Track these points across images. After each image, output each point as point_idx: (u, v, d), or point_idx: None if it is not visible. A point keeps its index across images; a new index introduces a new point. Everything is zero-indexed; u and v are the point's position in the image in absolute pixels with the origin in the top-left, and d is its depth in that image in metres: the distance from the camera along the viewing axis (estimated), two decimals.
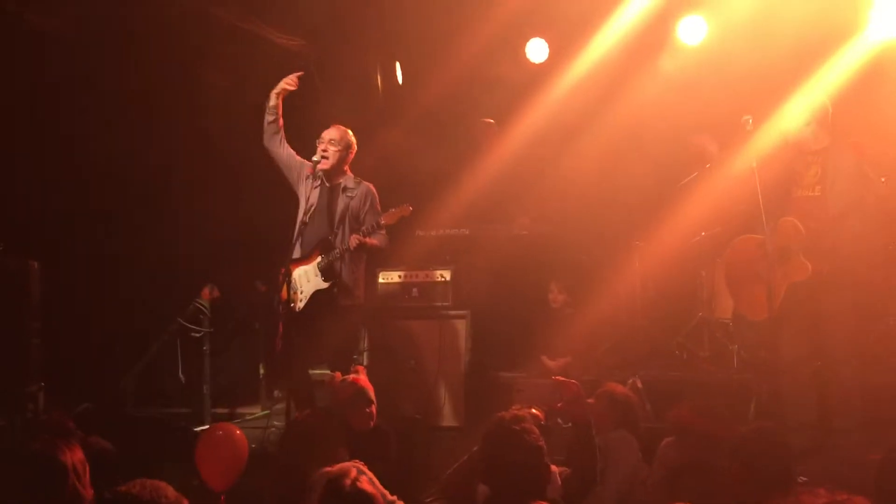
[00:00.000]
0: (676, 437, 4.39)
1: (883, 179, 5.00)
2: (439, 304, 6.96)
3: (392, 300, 7.06)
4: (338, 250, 5.81)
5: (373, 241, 5.89)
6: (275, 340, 6.03)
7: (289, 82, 5.95)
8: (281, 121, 6.02)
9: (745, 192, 5.45)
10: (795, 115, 5.40)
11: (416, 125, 7.96)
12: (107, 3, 6.66)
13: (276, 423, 6.36)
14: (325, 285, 5.82)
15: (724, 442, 3.74)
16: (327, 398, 5.15)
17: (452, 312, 6.90)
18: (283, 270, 5.80)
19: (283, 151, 6.04)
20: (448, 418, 6.68)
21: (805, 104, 5.41)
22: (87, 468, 3.29)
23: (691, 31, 7.35)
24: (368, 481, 3.04)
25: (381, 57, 8.43)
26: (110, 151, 7.30)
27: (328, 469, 3.79)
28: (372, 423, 4.83)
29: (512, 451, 3.29)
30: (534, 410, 3.78)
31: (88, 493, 3.15)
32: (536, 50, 7.92)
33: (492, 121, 7.97)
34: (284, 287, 5.66)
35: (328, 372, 5.77)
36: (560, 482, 3.75)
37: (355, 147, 6.02)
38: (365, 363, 6.71)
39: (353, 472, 3.07)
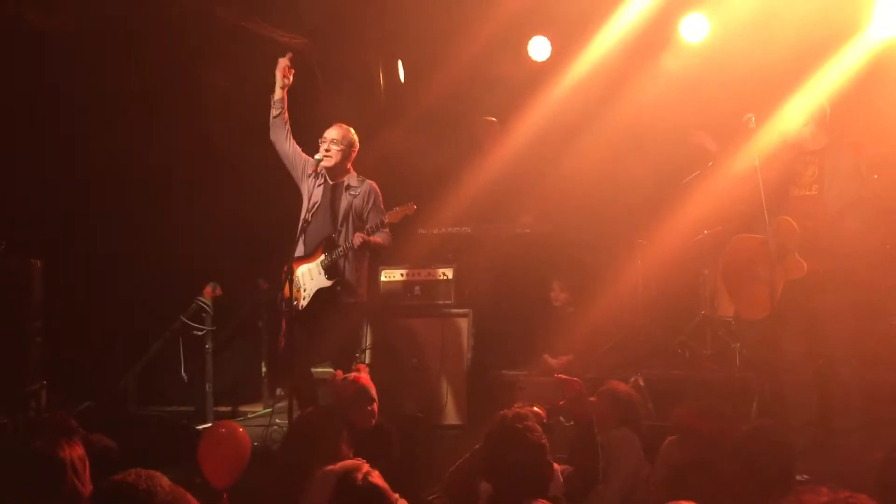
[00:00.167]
0: (679, 437, 4.39)
1: (875, 176, 4.99)
2: (441, 302, 6.97)
3: (394, 298, 7.06)
4: (341, 248, 5.81)
5: (376, 239, 5.89)
6: (278, 338, 6.05)
7: (285, 72, 5.95)
8: (286, 115, 6.02)
9: (747, 191, 5.44)
10: (794, 115, 5.39)
11: (418, 124, 7.96)
12: (107, 2, 6.66)
13: (278, 421, 6.37)
14: (328, 283, 5.81)
15: (726, 442, 3.74)
16: (329, 396, 5.15)
17: (455, 311, 6.90)
18: (285, 268, 5.80)
19: (290, 147, 6.04)
20: (450, 416, 6.68)
21: (803, 104, 5.40)
22: (87, 464, 3.30)
23: (694, 30, 7.34)
24: (380, 476, 3.05)
25: (383, 55, 8.43)
26: (111, 151, 7.31)
27: (331, 467, 3.80)
28: (373, 422, 4.83)
29: (514, 450, 3.29)
30: (536, 409, 3.78)
31: (87, 489, 3.15)
32: (539, 48, 7.92)
33: (494, 119, 7.97)
34: (287, 285, 5.65)
35: (331, 370, 5.78)
36: (562, 480, 3.75)
37: (358, 145, 6.02)
38: (367, 361, 6.71)
39: (365, 467, 3.07)
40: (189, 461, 4.60)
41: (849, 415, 5.24)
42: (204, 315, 7.17)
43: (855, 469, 4.53)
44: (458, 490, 3.91)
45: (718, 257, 6.80)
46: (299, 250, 5.89)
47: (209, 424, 6.54)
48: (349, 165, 6.01)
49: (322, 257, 5.82)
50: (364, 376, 5.02)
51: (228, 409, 7.51)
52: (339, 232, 5.90)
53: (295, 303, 5.75)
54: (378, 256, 6.49)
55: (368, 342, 6.88)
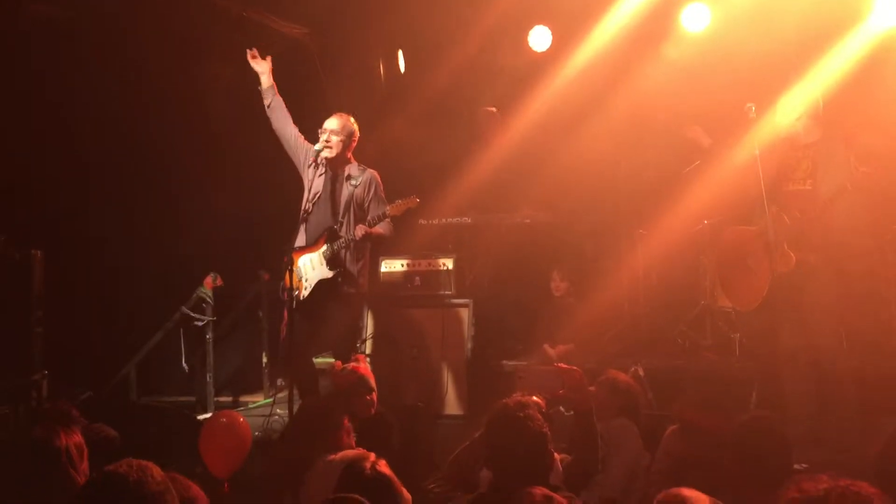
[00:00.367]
0: (680, 427, 4.40)
1: (863, 169, 4.99)
2: (442, 292, 6.97)
3: (395, 289, 7.07)
4: (343, 240, 5.81)
5: (378, 230, 5.88)
6: (279, 328, 6.06)
7: (254, 57, 5.95)
8: (280, 99, 6.00)
9: (747, 180, 5.45)
10: (787, 108, 5.38)
11: (418, 114, 7.94)
12: None
13: (279, 411, 6.39)
14: (330, 274, 5.82)
15: (726, 435, 3.75)
16: (330, 386, 5.17)
17: (455, 301, 6.91)
18: (286, 258, 5.80)
19: (291, 132, 6.02)
20: (451, 406, 6.70)
21: (797, 97, 5.39)
22: (85, 453, 3.30)
23: (695, 19, 7.31)
24: (387, 465, 3.05)
25: (384, 46, 8.41)
26: (112, 141, 7.32)
27: (333, 457, 3.82)
28: (372, 411, 4.84)
29: (515, 438, 3.30)
30: (535, 398, 3.78)
31: (83, 478, 3.15)
32: (539, 38, 7.88)
33: (494, 109, 7.96)
34: (288, 275, 5.66)
35: (332, 360, 5.79)
36: (561, 469, 3.75)
37: (358, 134, 6.00)
38: (368, 351, 6.73)
39: (372, 456, 3.08)
40: (190, 451, 4.61)
41: (845, 405, 5.25)
42: (205, 305, 7.19)
43: (853, 458, 4.55)
44: (458, 478, 3.92)
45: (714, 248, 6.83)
46: (300, 240, 5.89)
47: (210, 414, 6.56)
48: (349, 155, 5.99)
49: (324, 248, 5.82)
50: (363, 366, 5.03)
51: (229, 399, 7.54)
52: (341, 222, 5.90)
53: (296, 293, 5.75)
54: (379, 247, 6.50)
55: (369, 332, 6.89)
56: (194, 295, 7.17)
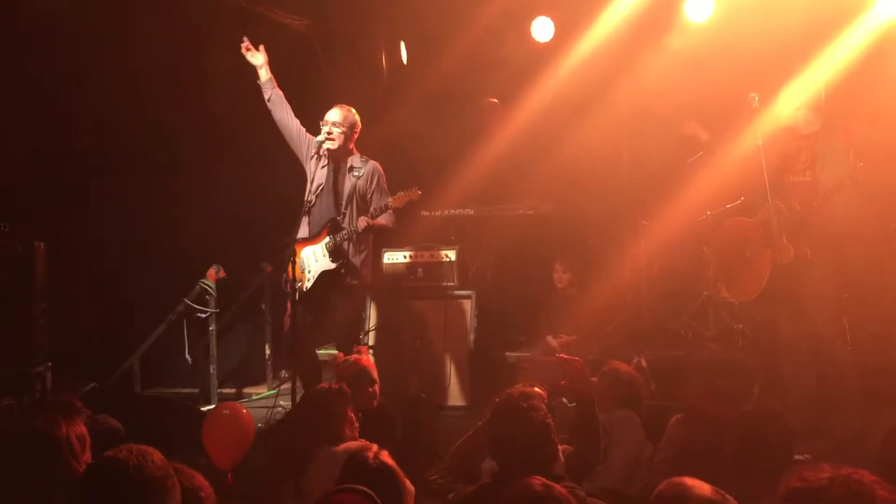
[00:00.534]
0: (685, 416, 4.40)
1: (861, 164, 4.98)
2: (445, 284, 6.98)
3: (397, 280, 7.07)
4: (346, 231, 5.81)
5: (381, 222, 5.88)
6: (283, 320, 6.06)
7: (249, 49, 5.94)
8: (280, 91, 6.00)
9: (750, 170, 5.44)
10: (788, 98, 5.37)
11: (421, 105, 7.93)
12: None
13: (282, 402, 6.41)
14: (332, 266, 5.82)
15: (730, 423, 3.76)
16: (333, 378, 5.17)
17: (458, 292, 6.91)
18: (288, 250, 5.80)
19: (292, 123, 6.02)
20: (454, 398, 6.71)
21: (799, 87, 5.38)
22: (88, 444, 3.31)
23: (698, 9, 7.29)
24: (389, 456, 3.06)
25: (386, 37, 8.40)
26: (115, 132, 7.32)
27: (335, 448, 3.83)
28: (374, 403, 4.85)
29: (519, 429, 3.31)
30: (537, 389, 3.79)
31: (84, 468, 3.16)
32: (542, 29, 7.86)
33: (496, 100, 7.94)
34: (291, 266, 5.66)
35: (335, 352, 5.80)
36: (563, 460, 3.76)
37: (359, 125, 6.00)
38: (371, 343, 6.73)
39: (374, 447, 3.09)
40: (193, 442, 4.63)
41: (847, 395, 5.25)
42: (208, 297, 7.20)
43: (854, 449, 4.55)
44: (460, 468, 3.94)
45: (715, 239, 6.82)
46: (303, 232, 5.89)
47: (213, 406, 6.58)
48: (352, 146, 5.99)
49: (327, 239, 5.83)
50: (365, 358, 5.04)
51: (233, 390, 7.56)
52: (343, 214, 5.90)
53: (299, 284, 5.76)
54: (381, 238, 6.50)
55: (372, 324, 6.90)
56: (197, 287, 7.18)
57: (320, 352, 6.38)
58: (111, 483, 2.40)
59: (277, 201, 7.03)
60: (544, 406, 3.44)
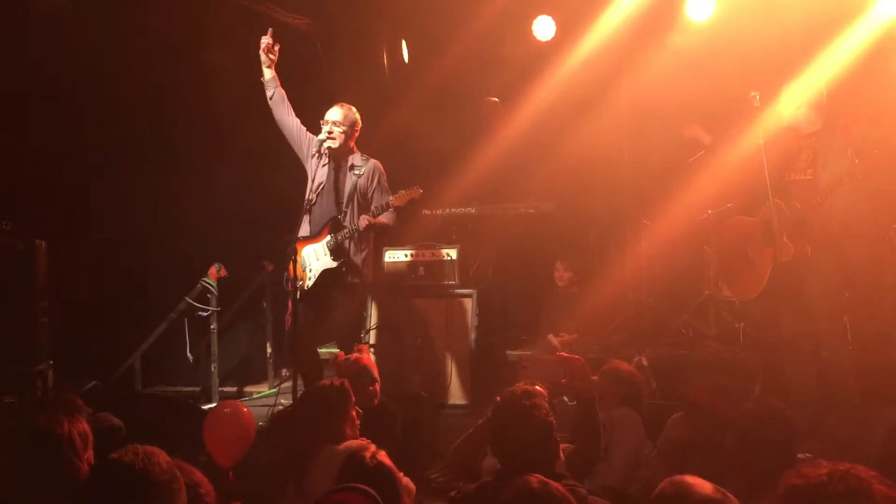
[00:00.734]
0: (686, 412, 4.41)
1: (858, 162, 4.99)
2: (446, 282, 6.98)
3: (399, 279, 7.08)
4: (347, 229, 5.81)
5: (382, 220, 5.88)
6: (284, 318, 6.06)
7: (269, 49, 5.92)
8: (282, 91, 5.99)
9: (751, 169, 5.44)
10: (790, 97, 5.38)
11: (422, 104, 7.94)
12: None
13: (283, 401, 6.41)
14: (334, 264, 5.82)
15: (732, 419, 3.76)
16: (334, 376, 5.17)
17: (459, 291, 6.91)
18: (289, 249, 5.80)
19: (293, 122, 6.00)
20: (455, 396, 6.72)
21: (801, 86, 5.38)
22: (91, 442, 3.31)
23: (700, 8, 7.29)
24: (387, 455, 3.07)
25: (387, 36, 8.40)
26: (116, 131, 7.33)
27: (336, 447, 3.83)
28: (376, 402, 4.85)
29: (522, 426, 3.31)
30: (538, 388, 3.79)
31: (86, 466, 3.16)
32: (543, 28, 7.87)
33: (496, 99, 7.94)
34: (292, 265, 5.66)
35: (337, 350, 5.80)
36: (563, 458, 3.76)
37: (360, 123, 6.00)
38: (372, 341, 6.74)
39: (373, 447, 3.09)
40: (194, 441, 4.63)
41: (847, 394, 5.25)
42: (209, 296, 7.20)
43: (854, 448, 4.54)
44: (460, 467, 3.94)
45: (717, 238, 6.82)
46: (304, 230, 5.89)
47: (214, 404, 6.58)
48: (352, 144, 5.99)
49: (328, 238, 5.83)
50: (365, 357, 5.04)
51: (234, 389, 7.56)
52: (345, 213, 5.90)
53: (300, 283, 5.76)
54: (382, 237, 6.50)
55: (373, 322, 6.91)
56: (199, 285, 7.18)
57: (321, 350, 6.38)
58: (117, 486, 2.40)
59: (278, 200, 7.04)
60: (547, 404, 3.44)
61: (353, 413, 4.21)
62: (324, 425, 4.06)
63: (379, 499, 2.64)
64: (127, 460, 2.40)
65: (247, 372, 7.82)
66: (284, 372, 7.60)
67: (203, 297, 7.20)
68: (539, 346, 6.93)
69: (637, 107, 7.54)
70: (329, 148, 5.88)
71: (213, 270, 7.20)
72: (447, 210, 7.56)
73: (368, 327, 6.85)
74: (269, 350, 7.71)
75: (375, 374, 4.91)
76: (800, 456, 3.74)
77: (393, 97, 8.05)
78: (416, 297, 6.96)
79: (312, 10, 7.87)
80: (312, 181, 5.94)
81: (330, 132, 5.85)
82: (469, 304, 6.85)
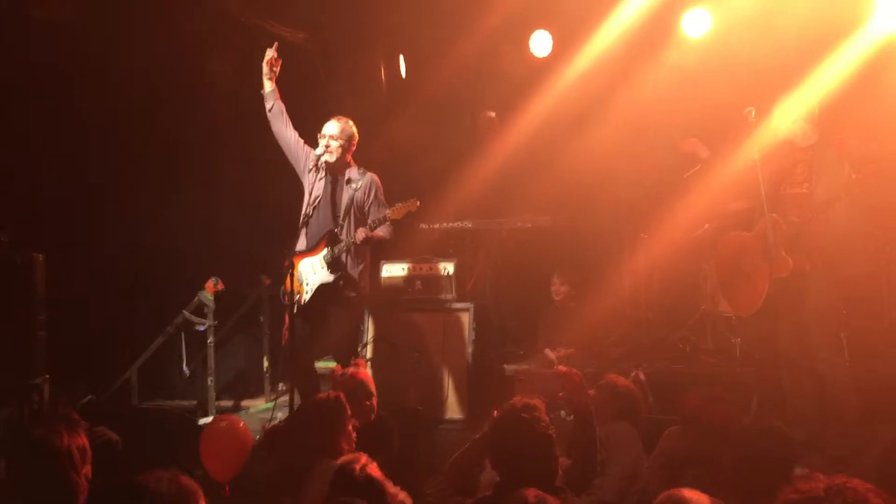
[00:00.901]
0: (682, 425, 4.40)
1: (855, 177, 5.01)
2: (443, 296, 6.98)
3: (396, 293, 7.08)
4: (344, 243, 5.81)
5: (379, 234, 5.88)
6: (281, 332, 6.06)
7: (272, 63, 5.95)
8: (282, 104, 6.01)
9: (747, 185, 5.46)
10: (785, 111, 5.40)
11: (419, 118, 7.96)
12: None
13: (279, 415, 6.39)
14: (331, 278, 5.82)
15: (730, 432, 3.76)
16: (331, 391, 5.16)
17: (456, 305, 6.91)
18: (286, 262, 5.80)
19: (291, 136, 6.01)
20: (451, 410, 6.70)
21: (794, 101, 5.41)
22: (89, 456, 3.29)
23: (696, 24, 7.33)
24: (377, 468, 3.07)
25: (385, 50, 8.43)
26: (113, 144, 7.33)
27: (333, 462, 3.82)
28: (372, 416, 4.83)
29: (521, 439, 3.32)
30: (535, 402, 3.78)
31: (83, 480, 3.14)
32: (540, 43, 7.90)
33: (493, 114, 7.97)
34: (289, 279, 5.66)
35: (333, 364, 5.79)
36: (561, 472, 3.76)
37: (357, 136, 6.00)
38: (369, 355, 6.73)
39: (363, 459, 3.09)
40: (191, 455, 4.62)
41: (845, 411, 5.25)
42: (206, 310, 7.19)
43: (853, 463, 4.54)
44: (457, 481, 3.93)
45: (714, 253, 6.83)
46: (301, 244, 5.89)
47: (211, 418, 6.57)
48: (349, 158, 6.00)
49: (324, 252, 5.83)
50: (362, 371, 5.03)
51: (230, 403, 7.55)
52: (341, 226, 5.90)
53: (297, 297, 5.75)
54: (380, 250, 6.50)
55: (370, 336, 6.90)
56: (195, 299, 7.17)
57: (318, 364, 6.37)
58: None
59: (276, 214, 7.04)
60: (547, 418, 3.44)
61: (350, 427, 4.21)
62: (320, 439, 4.06)
63: None
64: (152, 489, 2.35)
65: (243, 386, 7.81)
66: (281, 386, 7.58)
67: (200, 311, 7.19)
68: (536, 360, 6.92)
69: (633, 122, 7.56)
70: (326, 161, 5.89)
71: (210, 284, 7.19)
72: (444, 224, 7.57)
73: (365, 341, 6.84)
74: (265, 364, 7.69)
75: (372, 388, 4.90)
76: (797, 471, 3.74)
77: (390, 111, 8.08)
78: (413, 310, 6.96)
79: (310, 24, 7.90)
80: (309, 195, 5.95)
81: (327, 146, 5.86)
82: (466, 318, 6.84)
